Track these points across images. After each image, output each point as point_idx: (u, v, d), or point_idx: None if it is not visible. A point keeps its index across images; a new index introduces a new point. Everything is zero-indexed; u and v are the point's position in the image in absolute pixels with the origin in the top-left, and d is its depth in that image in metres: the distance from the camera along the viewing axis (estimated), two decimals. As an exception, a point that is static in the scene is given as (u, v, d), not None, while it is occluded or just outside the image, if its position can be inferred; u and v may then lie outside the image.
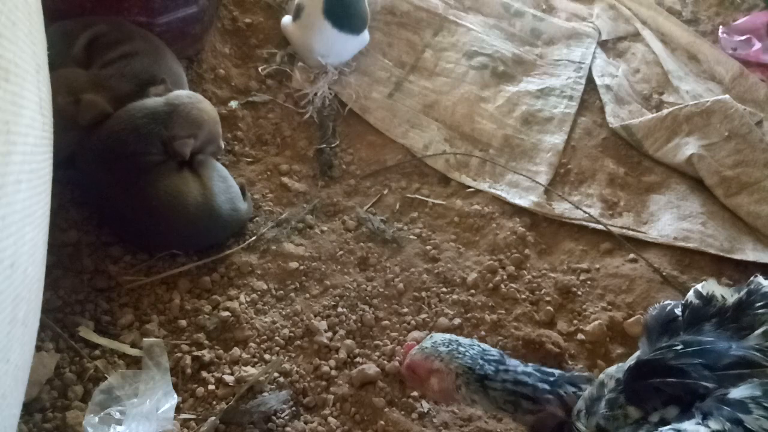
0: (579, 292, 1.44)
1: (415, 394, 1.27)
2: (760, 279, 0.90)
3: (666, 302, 0.95)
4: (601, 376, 0.92)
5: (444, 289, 1.43)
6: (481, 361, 0.98)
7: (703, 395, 0.78)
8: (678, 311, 0.91)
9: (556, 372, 0.98)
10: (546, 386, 0.94)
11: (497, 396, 0.95)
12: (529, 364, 1.00)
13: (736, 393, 0.76)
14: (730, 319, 0.86)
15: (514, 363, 0.98)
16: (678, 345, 0.84)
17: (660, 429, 0.78)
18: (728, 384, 0.77)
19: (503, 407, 0.96)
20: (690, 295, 0.92)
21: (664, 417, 0.80)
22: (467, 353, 0.99)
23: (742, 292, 0.88)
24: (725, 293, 0.90)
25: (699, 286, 0.93)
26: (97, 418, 1.11)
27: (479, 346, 1.01)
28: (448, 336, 1.04)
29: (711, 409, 0.75)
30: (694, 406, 0.77)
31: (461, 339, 1.03)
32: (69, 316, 1.27)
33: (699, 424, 0.74)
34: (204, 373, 1.25)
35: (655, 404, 0.82)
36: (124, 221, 1.37)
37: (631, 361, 0.90)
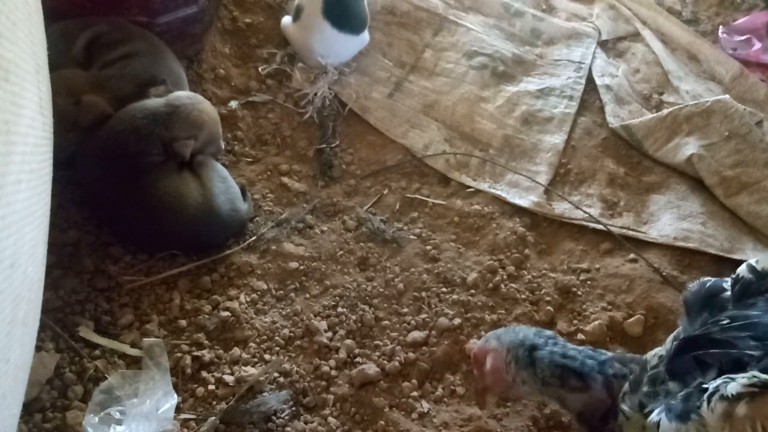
0: (579, 292, 1.44)
1: (415, 394, 1.27)
2: None
3: (706, 279, 0.93)
4: (647, 355, 0.91)
5: (444, 289, 1.43)
6: (532, 335, 1.00)
7: (746, 363, 0.76)
8: (726, 285, 0.88)
9: (608, 353, 0.98)
10: (594, 363, 0.94)
11: (545, 369, 0.96)
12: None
13: None
14: None
15: (565, 342, 1.00)
16: (724, 320, 0.82)
17: (712, 382, 0.75)
18: None
19: (550, 382, 0.96)
20: (742, 270, 0.90)
21: (702, 382, 0.78)
22: (521, 332, 1.02)
23: None
24: None
25: (753, 261, 0.90)
26: (97, 418, 1.11)
27: (536, 329, 1.03)
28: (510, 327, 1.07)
29: None
30: (748, 367, 0.75)
31: (521, 326, 1.06)
32: (69, 316, 1.27)
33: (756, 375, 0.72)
34: (204, 373, 1.25)
35: (695, 375, 0.80)
36: (125, 222, 1.37)
37: (673, 339, 0.88)
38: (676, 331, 0.92)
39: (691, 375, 0.80)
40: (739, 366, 0.76)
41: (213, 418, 1.17)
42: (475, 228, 1.54)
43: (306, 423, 1.21)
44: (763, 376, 0.72)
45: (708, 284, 0.90)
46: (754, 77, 1.93)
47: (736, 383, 0.73)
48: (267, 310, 1.37)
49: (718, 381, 0.75)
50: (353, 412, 1.24)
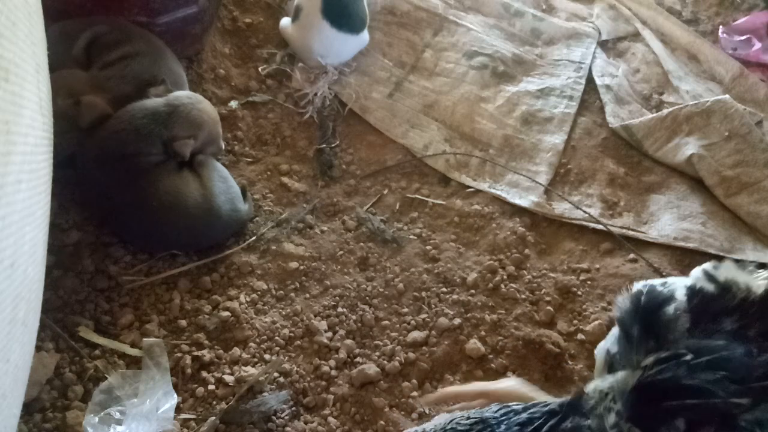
0: (579, 292, 1.44)
1: (415, 394, 1.27)
2: None
3: (637, 287, 0.75)
4: (600, 406, 0.71)
5: (444, 289, 1.43)
6: None
7: (735, 415, 0.62)
8: (666, 292, 0.72)
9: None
10: None
11: None
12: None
13: None
14: (755, 315, 0.67)
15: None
16: (686, 354, 0.65)
17: None
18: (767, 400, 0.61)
19: None
20: (698, 278, 0.72)
21: None
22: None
23: None
24: (750, 281, 0.70)
25: (710, 267, 0.72)
26: (97, 418, 1.11)
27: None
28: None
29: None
30: (735, 421, 0.62)
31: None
32: (69, 316, 1.27)
33: None
34: (204, 373, 1.25)
35: (665, 425, 0.64)
36: (125, 221, 1.37)
37: (605, 378, 0.71)
38: (605, 354, 0.75)
39: (658, 425, 0.65)
40: (724, 419, 0.62)
41: (213, 418, 1.17)
42: (475, 228, 1.54)
43: (306, 423, 1.21)
44: None
45: (643, 298, 0.74)
46: (754, 77, 1.93)
47: None
48: (267, 310, 1.37)
49: None
50: (353, 412, 1.24)
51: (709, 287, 0.71)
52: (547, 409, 0.71)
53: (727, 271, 0.71)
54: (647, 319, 0.71)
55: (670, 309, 0.71)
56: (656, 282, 0.76)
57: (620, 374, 0.71)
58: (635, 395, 0.66)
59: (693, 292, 0.71)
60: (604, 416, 0.69)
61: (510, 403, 0.73)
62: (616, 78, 1.90)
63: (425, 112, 1.77)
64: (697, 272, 0.73)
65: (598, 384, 0.72)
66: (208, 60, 1.74)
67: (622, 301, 0.76)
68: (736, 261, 0.73)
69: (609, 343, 0.76)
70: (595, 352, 0.79)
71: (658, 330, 0.70)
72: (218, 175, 1.42)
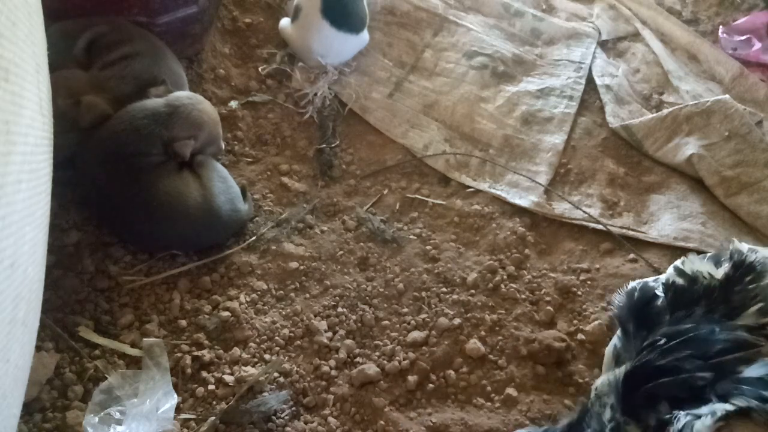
0: (579, 292, 1.44)
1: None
2: (738, 244, 0.80)
3: (632, 285, 0.85)
4: (596, 405, 0.81)
5: (444, 289, 1.43)
6: None
7: (701, 387, 0.71)
8: (657, 288, 0.81)
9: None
10: None
11: None
12: None
13: (752, 372, 0.69)
14: (719, 299, 0.77)
15: None
16: (660, 339, 0.75)
17: (676, 413, 0.69)
18: (727, 371, 0.70)
19: None
20: (671, 274, 0.82)
21: (659, 418, 0.73)
22: None
23: (727, 267, 0.78)
24: (711, 269, 0.80)
25: (679, 263, 0.82)
26: (97, 418, 1.11)
27: None
28: None
29: (729, 390, 0.68)
30: (703, 393, 0.70)
31: None
32: (69, 316, 1.27)
33: (718, 404, 0.67)
34: (204, 373, 1.25)
35: (651, 410, 0.74)
36: (125, 222, 1.38)
37: (610, 371, 0.80)
38: (613, 350, 0.83)
39: (645, 412, 0.74)
40: (691, 391, 0.70)
41: (213, 418, 1.17)
42: (475, 228, 1.54)
43: (306, 423, 1.21)
44: (724, 408, 0.67)
45: (636, 294, 0.83)
46: (754, 77, 1.93)
47: (702, 423, 0.68)
48: (267, 310, 1.37)
49: (682, 420, 0.69)
50: (353, 412, 1.24)
51: (679, 280, 0.79)
52: None
53: (692, 264, 0.80)
54: (639, 313, 0.79)
55: (659, 302, 0.79)
56: (649, 278, 0.83)
57: (623, 366, 0.78)
58: (623, 386, 0.75)
59: (667, 286, 0.80)
60: (601, 414, 0.77)
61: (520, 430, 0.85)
62: (616, 78, 1.90)
63: (425, 112, 1.77)
64: (670, 268, 0.81)
65: (605, 378, 0.80)
66: (208, 60, 1.74)
67: (619, 299, 0.84)
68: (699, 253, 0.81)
69: (615, 338, 0.83)
70: (606, 349, 0.85)
71: (650, 322, 0.78)
72: (218, 176, 1.42)
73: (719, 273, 0.79)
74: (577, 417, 0.84)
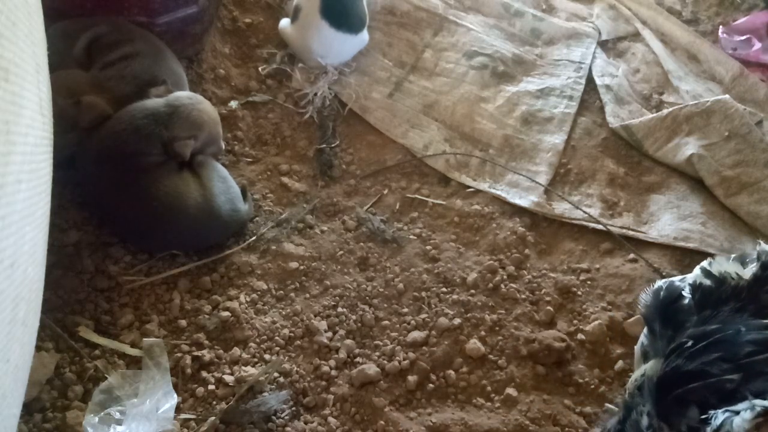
0: (579, 292, 1.44)
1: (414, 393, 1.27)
2: (766, 246, 0.81)
3: (658, 284, 0.86)
4: (633, 414, 0.83)
5: (444, 289, 1.43)
6: None
7: (731, 390, 0.71)
8: (684, 288, 0.82)
9: None
10: None
11: None
12: None
13: None
14: (747, 299, 0.77)
15: None
16: (687, 342, 0.75)
17: (713, 412, 0.70)
18: (757, 371, 0.70)
19: None
20: (698, 275, 0.83)
21: (689, 425, 0.73)
22: None
23: (755, 267, 0.79)
24: (739, 270, 0.80)
25: (706, 264, 0.83)
26: (97, 418, 1.11)
27: None
28: None
29: (765, 388, 0.69)
30: (733, 395, 0.70)
31: None
32: (69, 316, 1.27)
33: (757, 401, 0.67)
34: (204, 373, 1.25)
35: (682, 416, 0.74)
36: (125, 222, 1.38)
37: (639, 372, 0.81)
38: (640, 347, 0.85)
39: (677, 417, 0.75)
40: (722, 394, 0.71)
41: (213, 418, 1.17)
42: (475, 228, 1.54)
43: (306, 423, 1.21)
44: (763, 404, 0.68)
45: (662, 293, 0.84)
46: (754, 77, 1.93)
47: (741, 419, 0.68)
48: (267, 310, 1.37)
49: (720, 418, 0.70)
50: (353, 412, 1.24)
51: (707, 282, 0.80)
52: None
53: (719, 265, 0.81)
54: (665, 312, 0.81)
55: (685, 301, 0.81)
56: (675, 278, 0.85)
57: (651, 362, 0.81)
58: (657, 392, 0.76)
59: (694, 288, 0.81)
60: (639, 421, 0.80)
61: None
62: (616, 78, 1.90)
63: (425, 112, 1.77)
64: (696, 270, 0.83)
65: (634, 375, 0.83)
66: (208, 60, 1.74)
67: (645, 297, 0.86)
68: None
69: (642, 336, 0.86)
70: (635, 346, 0.87)
71: (675, 321, 0.79)
72: (218, 176, 1.42)
73: (747, 273, 0.80)
74: (621, 418, 0.86)
